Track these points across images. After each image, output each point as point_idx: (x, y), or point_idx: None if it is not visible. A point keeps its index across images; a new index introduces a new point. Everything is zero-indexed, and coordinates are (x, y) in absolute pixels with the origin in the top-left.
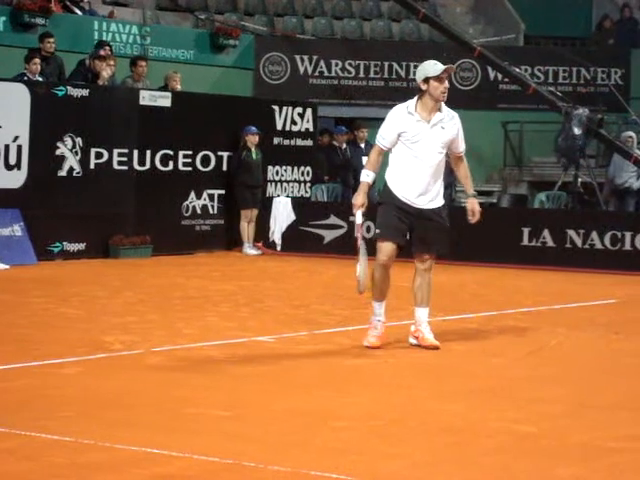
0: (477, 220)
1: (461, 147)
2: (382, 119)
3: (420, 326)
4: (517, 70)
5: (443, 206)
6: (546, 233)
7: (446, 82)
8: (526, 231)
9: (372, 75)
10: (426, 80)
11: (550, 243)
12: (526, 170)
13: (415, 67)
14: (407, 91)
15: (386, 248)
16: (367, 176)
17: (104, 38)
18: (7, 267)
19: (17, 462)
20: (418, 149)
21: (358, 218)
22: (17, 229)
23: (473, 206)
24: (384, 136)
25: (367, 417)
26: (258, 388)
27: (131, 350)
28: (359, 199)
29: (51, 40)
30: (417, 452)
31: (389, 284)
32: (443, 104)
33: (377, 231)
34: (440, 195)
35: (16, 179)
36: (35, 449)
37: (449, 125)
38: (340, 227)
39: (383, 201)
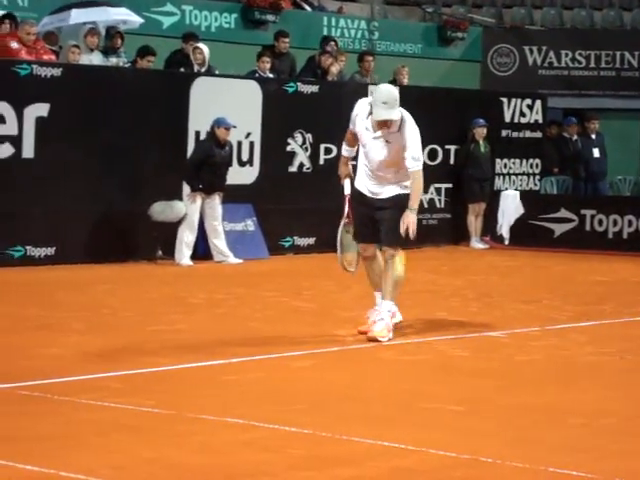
0: (409, 232)
1: (408, 163)
2: (613, 110)
3: (376, 316)
4: None
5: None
6: None
7: (383, 130)
8: None
9: (603, 65)
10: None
11: None
12: None
13: None
14: None
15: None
16: (346, 150)
17: (332, 34)
18: (240, 261)
19: (256, 453)
20: (368, 154)
21: (346, 190)
22: (250, 224)
23: (406, 219)
24: (351, 124)
25: (602, 414)
26: (491, 384)
27: (362, 344)
28: (340, 170)
29: (285, 40)
30: None
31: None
32: (401, 118)
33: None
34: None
35: (249, 175)
36: (273, 441)
37: (397, 138)
38: (571, 220)
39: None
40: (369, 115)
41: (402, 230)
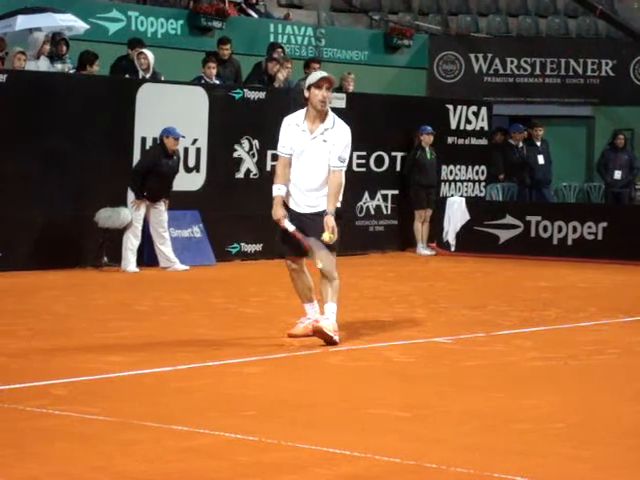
0: (332, 236)
1: (332, 161)
2: (559, 117)
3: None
4: None
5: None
6: None
7: (325, 91)
8: None
9: (548, 72)
10: (308, 88)
11: None
12: None
13: (593, 64)
14: (584, 88)
15: None
16: (279, 189)
17: (279, 40)
18: (187, 268)
19: (201, 461)
20: (303, 161)
21: (289, 227)
22: (196, 230)
23: (327, 221)
24: (283, 144)
25: (548, 419)
26: (437, 389)
27: (310, 350)
28: (277, 213)
29: (226, 47)
30: (600, 455)
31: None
32: (333, 117)
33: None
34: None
35: (195, 181)
36: (219, 448)
37: (331, 136)
38: (516, 227)
39: None
40: (305, 120)
41: (331, 235)
